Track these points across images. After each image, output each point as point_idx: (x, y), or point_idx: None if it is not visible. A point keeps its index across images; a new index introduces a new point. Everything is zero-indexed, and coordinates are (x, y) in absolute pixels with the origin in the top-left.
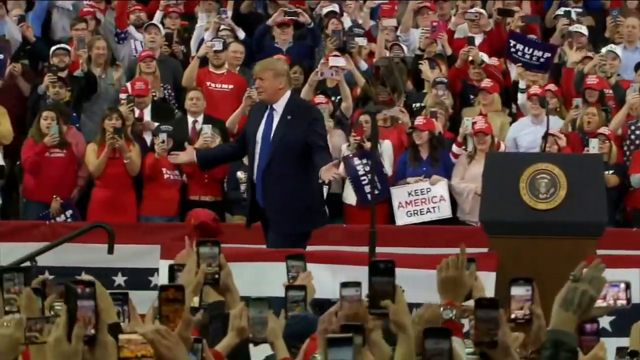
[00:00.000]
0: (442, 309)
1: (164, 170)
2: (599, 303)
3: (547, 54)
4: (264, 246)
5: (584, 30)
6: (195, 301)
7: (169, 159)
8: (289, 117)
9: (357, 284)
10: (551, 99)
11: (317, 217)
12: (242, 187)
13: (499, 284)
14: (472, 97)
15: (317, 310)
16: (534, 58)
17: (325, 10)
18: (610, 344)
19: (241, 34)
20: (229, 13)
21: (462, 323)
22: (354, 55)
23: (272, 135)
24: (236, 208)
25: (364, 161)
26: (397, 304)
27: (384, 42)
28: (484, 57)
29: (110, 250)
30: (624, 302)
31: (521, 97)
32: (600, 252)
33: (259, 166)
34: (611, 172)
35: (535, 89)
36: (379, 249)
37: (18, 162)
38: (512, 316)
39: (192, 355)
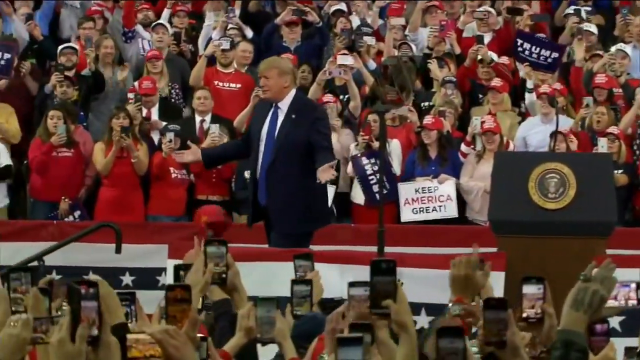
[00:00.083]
0: (451, 304)
1: (171, 169)
2: (610, 303)
3: (555, 54)
4: (266, 246)
5: (593, 29)
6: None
7: (174, 158)
8: (293, 115)
9: (366, 284)
10: (558, 98)
11: (319, 217)
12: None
13: (507, 284)
14: (481, 96)
15: (325, 310)
16: (541, 58)
17: (333, 9)
18: (620, 344)
19: (249, 33)
20: (237, 12)
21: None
22: (363, 54)
23: (276, 133)
24: (244, 207)
25: (372, 160)
26: (398, 303)
27: (393, 41)
28: (493, 56)
29: (118, 250)
30: (635, 302)
31: (528, 97)
32: (609, 251)
33: (263, 164)
34: (620, 171)
35: (544, 88)
36: (387, 249)
37: (25, 162)
38: (524, 315)
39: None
